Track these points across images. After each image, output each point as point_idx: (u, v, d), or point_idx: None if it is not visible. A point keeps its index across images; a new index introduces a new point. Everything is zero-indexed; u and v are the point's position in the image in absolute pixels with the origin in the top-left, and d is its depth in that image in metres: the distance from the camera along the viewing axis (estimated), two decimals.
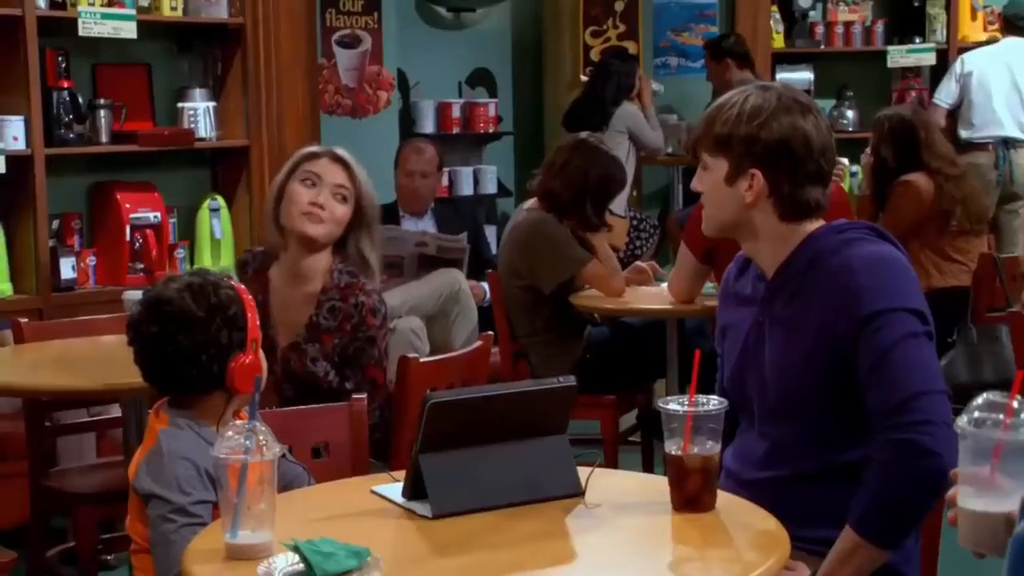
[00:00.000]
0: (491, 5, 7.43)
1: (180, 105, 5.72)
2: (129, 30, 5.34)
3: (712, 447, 2.10)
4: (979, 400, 1.67)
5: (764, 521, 2.07)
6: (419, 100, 7.13)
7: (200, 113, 5.72)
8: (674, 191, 7.65)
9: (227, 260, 5.77)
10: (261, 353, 2.44)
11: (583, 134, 5.02)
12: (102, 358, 3.68)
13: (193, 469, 2.29)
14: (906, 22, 8.21)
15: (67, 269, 5.32)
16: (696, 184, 2.49)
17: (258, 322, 2.45)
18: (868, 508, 2.25)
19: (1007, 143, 7.03)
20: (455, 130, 7.23)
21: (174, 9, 5.61)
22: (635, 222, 6.88)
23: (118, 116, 5.49)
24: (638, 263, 5.01)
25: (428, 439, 2.10)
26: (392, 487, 2.22)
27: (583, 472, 2.20)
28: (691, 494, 2.10)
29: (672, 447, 2.10)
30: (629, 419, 5.11)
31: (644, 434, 5.08)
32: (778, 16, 8.09)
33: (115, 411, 4.26)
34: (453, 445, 2.12)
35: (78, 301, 5.21)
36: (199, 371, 2.41)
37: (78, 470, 4.12)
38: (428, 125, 7.11)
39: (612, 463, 4.35)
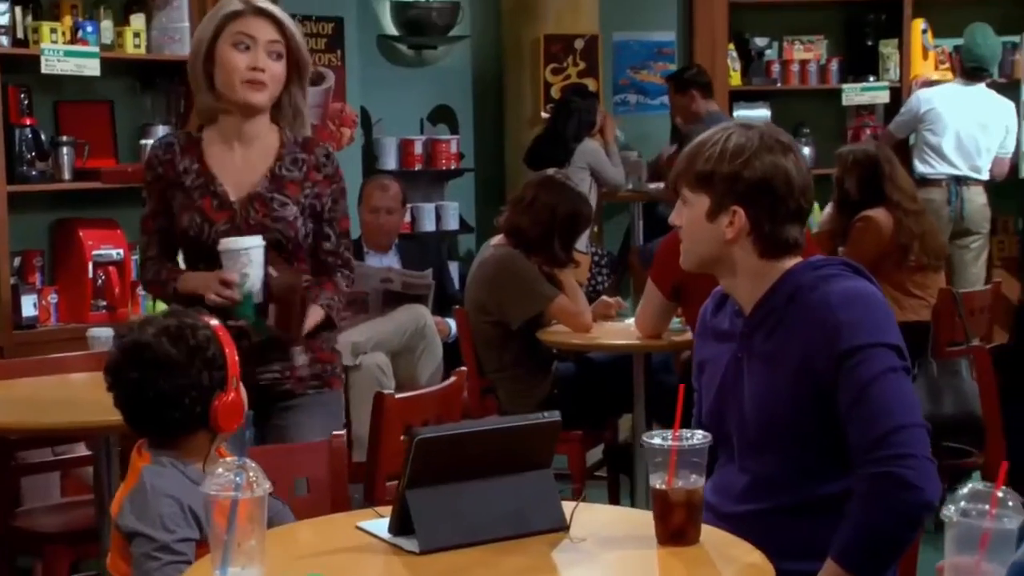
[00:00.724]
0: (452, 43, 7.49)
1: (143, 142, 5.71)
2: (92, 67, 5.33)
3: (696, 481, 2.12)
4: (964, 490, 1.71)
5: (749, 554, 2.10)
6: (382, 137, 7.16)
7: None
8: (635, 227, 7.70)
9: None
10: (243, 390, 2.45)
11: (550, 171, 5.07)
12: (71, 396, 3.67)
13: (177, 507, 2.29)
14: (860, 61, 8.35)
15: (28, 307, 5.29)
16: (675, 218, 2.52)
17: (237, 358, 2.45)
18: (850, 540, 2.28)
19: (959, 181, 7.16)
20: (417, 167, 7.26)
21: (137, 47, 5.61)
22: (596, 258, 6.92)
23: (80, 153, 5.47)
24: (604, 297, 5.05)
25: (415, 475, 2.11)
26: (377, 523, 2.23)
27: (567, 506, 2.22)
28: (676, 528, 2.12)
29: (656, 481, 2.13)
30: (595, 454, 5.14)
31: (610, 469, 5.11)
32: (735, 54, 8.21)
33: (80, 450, 4.23)
34: (440, 480, 2.13)
35: (40, 339, 5.18)
36: (182, 414, 2.40)
37: (44, 510, 4.08)
38: (391, 162, 7.14)
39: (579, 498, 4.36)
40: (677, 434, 2.12)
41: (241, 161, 3.14)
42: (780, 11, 8.42)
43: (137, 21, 5.65)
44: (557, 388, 4.77)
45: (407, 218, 6.87)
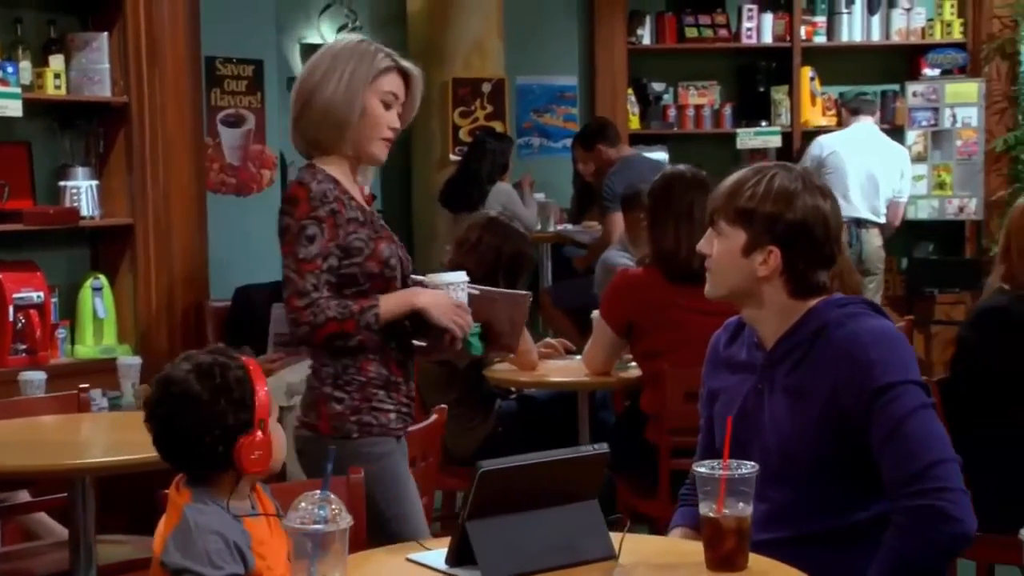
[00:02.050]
0: None
1: (62, 183, 5.65)
2: (15, 108, 5.26)
3: (744, 508, 2.21)
4: None
5: None
6: None
7: (82, 191, 5.66)
8: (543, 267, 7.83)
9: (109, 339, 5.70)
10: (278, 431, 2.45)
11: (493, 212, 5.14)
12: (41, 439, 3.65)
13: (222, 542, 2.30)
14: (752, 106, 8.65)
15: None
16: (704, 246, 2.60)
17: (268, 399, 2.46)
18: (887, 571, 2.38)
19: (859, 223, 7.43)
20: None
21: (58, 87, 5.56)
22: None
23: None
24: (547, 339, 5.13)
25: (476, 507, 2.16)
26: (428, 555, 2.28)
27: (614, 536, 2.29)
28: (726, 554, 2.20)
29: (706, 509, 2.21)
30: None
31: None
32: (634, 99, 8.44)
33: (24, 496, 4.16)
34: (497, 512, 2.18)
35: None
36: (205, 451, 2.41)
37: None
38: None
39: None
40: (727, 463, 2.21)
41: (361, 199, 3.10)
42: (675, 57, 8.68)
43: (56, 62, 5.60)
44: (501, 426, 4.83)
45: None
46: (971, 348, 3.94)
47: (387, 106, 3.06)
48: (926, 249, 8.54)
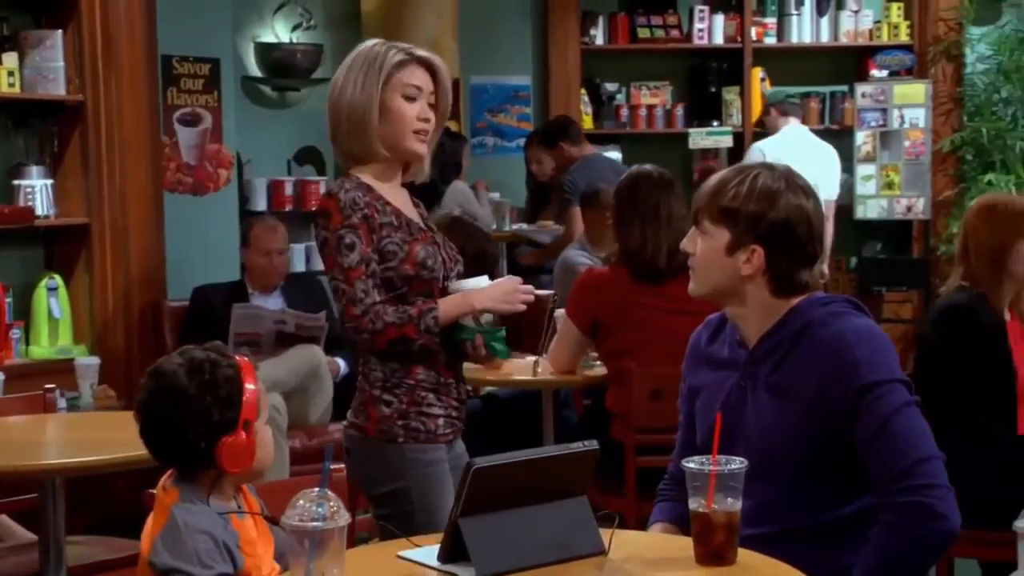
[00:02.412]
0: (315, 85, 7.51)
1: (16, 182, 5.61)
2: None
3: (733, 504, 2.23)
4: None
5: (787, 574, 2.21)
6: (251, 178, 7.13)
7: (37, 190, 5.62)
8: (499, 266, 7.82)
9: (65, 340, 5.66)
10: (264, 433, 2.44)
11: (456, 212, 5.14)
12: (9, 439, 3.61)
13: (211, 542, 2.29)
14: (704, 106, 8.70)
15: None
16: (687, 245, 2.61)
17: (256, 401, 2.44)
18: (874, 567, 2.41)
19: None
20: (288, 207, 7.24)
21: (12, 85, 5.51)
22: None
23: None
24: None
25: (468, 503, 2.17)
26: (419, 552, 2.28)
27: (604, 532, 2.31)
28: (716, 548, 2.22)
29: (696, 504, 2.23)
30: None
31: None
32: (587, 99, 8.48)
33: None
34: (489, 509, 2.19)
35: None
36: (188, 447, 2.40)
37: None
38: (261, 203, 7.11)
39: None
40: (716, 458, 2.24)
41: (404, 202, 3.09)
42: (628, 58, 8.72)
43: (9, 60, 5.55)
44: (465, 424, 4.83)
45: None
46: (933, 346, 3.99)
47: (411, 99, 3.03)
48: (874, 248, 8.64)
